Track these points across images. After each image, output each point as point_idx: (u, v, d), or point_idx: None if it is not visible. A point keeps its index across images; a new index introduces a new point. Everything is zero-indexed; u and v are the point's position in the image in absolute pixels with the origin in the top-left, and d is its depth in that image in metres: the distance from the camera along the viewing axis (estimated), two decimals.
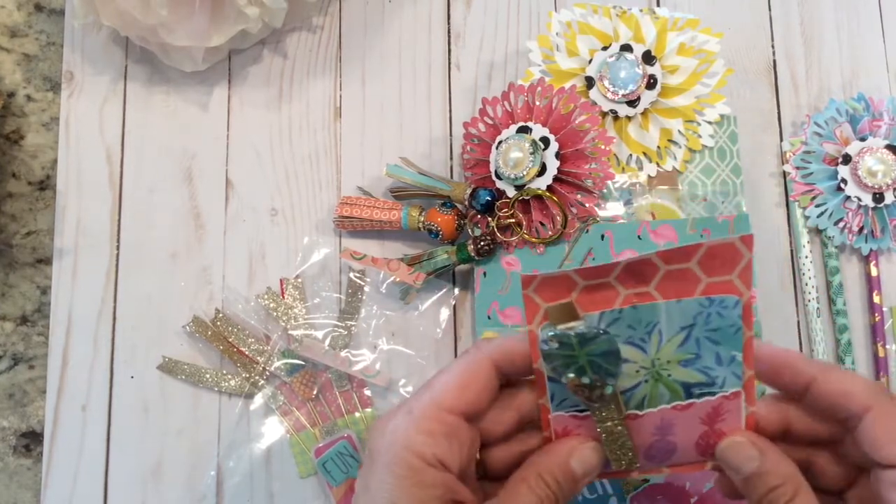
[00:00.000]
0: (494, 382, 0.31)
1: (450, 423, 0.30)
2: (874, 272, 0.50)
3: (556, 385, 0.31)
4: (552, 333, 0.29)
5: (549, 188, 0.46)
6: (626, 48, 0.48)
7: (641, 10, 0.50)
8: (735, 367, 0.30)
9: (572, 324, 0.29)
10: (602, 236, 0.47)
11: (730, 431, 0.31)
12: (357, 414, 0.47)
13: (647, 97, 0.48)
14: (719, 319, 0.30)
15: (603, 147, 0.46)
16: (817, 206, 0.50)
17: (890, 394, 0.31)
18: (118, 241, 0.50)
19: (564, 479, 0.30)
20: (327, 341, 0.48)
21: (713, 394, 0.31)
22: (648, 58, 0.48)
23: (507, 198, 0.47)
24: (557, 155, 0.46)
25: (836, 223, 0.50)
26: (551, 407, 0.31)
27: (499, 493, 0.31)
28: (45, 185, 0.50)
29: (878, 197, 0.49)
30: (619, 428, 0.31)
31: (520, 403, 0.32)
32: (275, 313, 0.48)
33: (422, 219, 0.47)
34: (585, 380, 0.30)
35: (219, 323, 0.48)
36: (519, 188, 0.46)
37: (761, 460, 0.30)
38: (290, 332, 0.48)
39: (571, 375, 0.30)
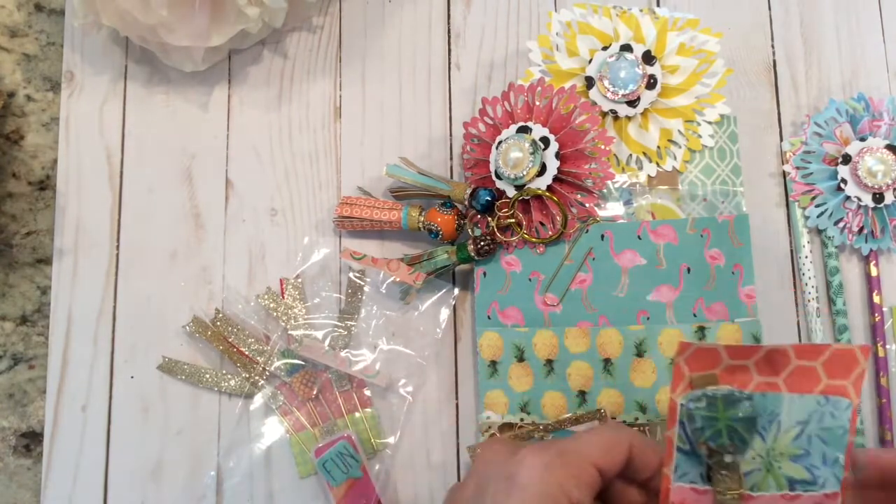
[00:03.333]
0: (625, 461, 0.35)
1: (592, 475, 0.34)
2: (874, 272, 0.50)
3: (683, 456, 0.34)
4: (702, 393, 0.32)
5: (549, 188, 0.46)
6: (626, 48, 0.48)
7: (641, 10, 0.50)
8: (837, 469, 0.33)
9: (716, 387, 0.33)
10: (602, 236, 0.47)
11: None
12: (357, 414, 0.47)
13: (647, 97, 0.48)
14: (831, 420, 0.33)
15: (603, 147, 0.46)
16: (817, 206, 0.50)
17: None
18: (118, 241, 0.50)
19: None
20: (327, 341, 0.48)
21: (815, 492, 0.33)
22: (648, 58, 0.48)
23: (507, 198, 0.47)
24: (557, 155, 0.46)
25: (836, 223, 0.50)
26: (673, 477, 0.34)
27: None
28: (45, 185, 0.50)
29: (878, 197, 0.49)
30: (737, 501, 0.33)
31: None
32: (275, 313, 0.48)
33: (422, 219, 0.47)
34: (720, 443, 0.32)
35: (219, 323, 0.48)
36: (519, 188, 0.46)
37: None
38: (290, 332, 0.48)
39: (708, 436, 0.33)
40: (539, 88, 0.47)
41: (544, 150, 0.46)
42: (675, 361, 0.33)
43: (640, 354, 0.45)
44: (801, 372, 0.33)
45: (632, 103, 0.48)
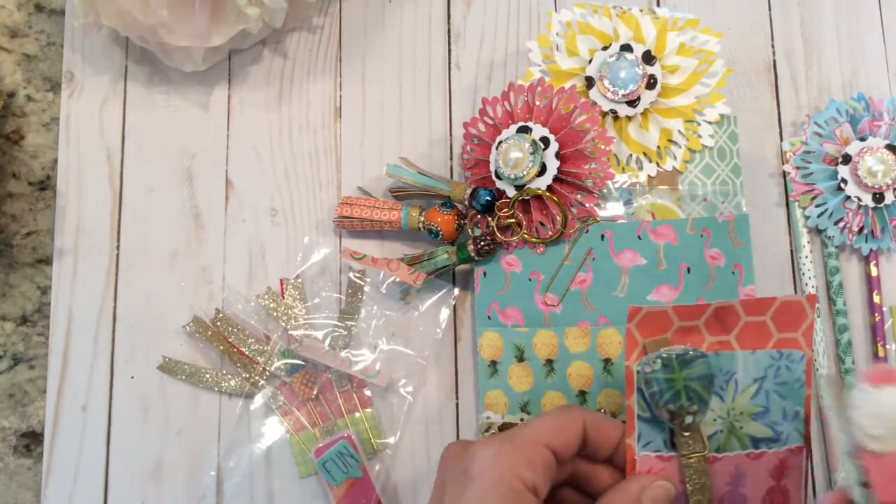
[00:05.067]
0: (580, 439, 0.35)
1: (546, 456, 0.34)
2: (874, 272, 0.50)
3: (645, 424, 0.33)
4: (656, 356, 0.32)
5: (549, 188, 0.46)
6: (626, 48, 0.48)
7: (641, 10, 0.50)
8: (798, 423, 0.33)
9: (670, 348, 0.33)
10: (602, 236, 0.47)
11: (793, 490, 0.34)
12: (357, 414, 0.47)
13: (647, 97, 0.48)
14: (787, 373, 0.33)
15: (603, 147, 0.46)
16: (817, 206, 0.50)
17: None
18: (118, 241, 0.50)
19: None
20: (327, 341, 0.48)
21: (779, 448, 0.33)
22: (648, 58, 0.48)
23: (507, 198, 0.47)
24: (557, 155, 0.46)
25: (836, 223, 0.50)
26: (637, 447, 0.34)
27: None
28: (45, 185, 0.50)
29: (878, 197, 0.49)
30: (702, 463, 0.33)
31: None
32: (275, 313, 0.48)
33: (422, 219, 0.47)
34: (679, 405, 0.32)
35: (219, 323, 0.48)
36: (519, 188, 0.46)
37: None
38: (290, 332, 0.48)
39: (667, 399, 0.32)
40: (539, 88, 0.47)
41: (544, 150, 0.46)
42: (627, 328, 0.33)
43: None
44: (752, 328, 0.33)
45: (632, 103, 0.48)
